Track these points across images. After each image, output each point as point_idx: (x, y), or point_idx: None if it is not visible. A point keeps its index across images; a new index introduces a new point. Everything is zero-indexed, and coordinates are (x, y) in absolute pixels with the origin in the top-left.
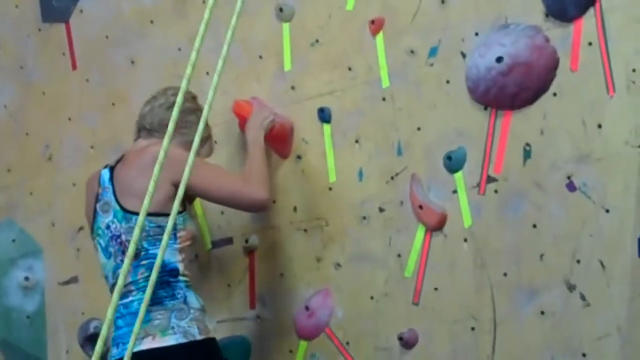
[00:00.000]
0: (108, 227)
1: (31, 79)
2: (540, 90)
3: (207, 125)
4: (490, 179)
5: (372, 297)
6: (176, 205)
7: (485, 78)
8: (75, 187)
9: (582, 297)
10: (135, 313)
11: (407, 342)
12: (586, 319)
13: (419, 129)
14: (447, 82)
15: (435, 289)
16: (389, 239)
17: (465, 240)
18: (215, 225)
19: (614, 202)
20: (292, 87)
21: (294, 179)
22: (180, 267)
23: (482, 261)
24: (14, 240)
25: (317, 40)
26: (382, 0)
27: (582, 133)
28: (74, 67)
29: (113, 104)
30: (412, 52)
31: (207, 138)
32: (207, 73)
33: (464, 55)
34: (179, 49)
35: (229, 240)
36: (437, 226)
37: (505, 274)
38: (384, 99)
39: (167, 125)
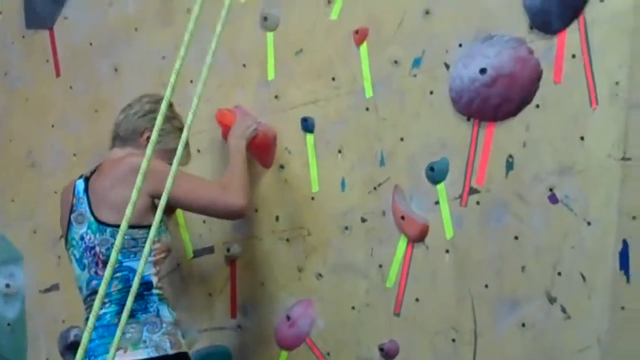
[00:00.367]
0: (82, 238)
1: (15, 85)
2: (523, 102)
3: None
4: (473, 190)
5: (353, 308)
6: (158, 215)
7: (468, 89)
8: (57, 194)
9: (563, 310)
10: (108, 325)
11: (388, 353)
12: (567, 331)
13: (402, 139)
14: (431, 92)
15: (417, 299)
16: (370, 250)
17: (447, 251)
18: (196, 234)
19: (596, 214)
20: (276, 96)
21: (277, 189)
22: (154, 280)
23: (463, 272)
24: None
25: (301, 50)
26: (367, 11)
27: (564, 145)
28: (58, 74)
29: (96, 111)
30: (395, 62)
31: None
32: (191, 81)
33: (447, 66)
34: (163, 57)
35: (210, 250)
36: (419, 237)
37: (486, 286)
38: (367, 109)
39: (140, 134)
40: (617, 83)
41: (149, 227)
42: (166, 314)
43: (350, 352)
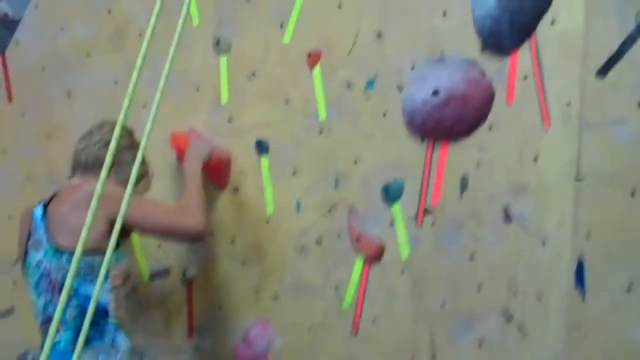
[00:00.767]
0: (38, 265)
1: None
2: (476, 122)
3: (144, 163)
4: (428, 211)
5: (310, 329)
6: (114, 238)
7: (421, 110)
8: (11, 219)
9: (520, 328)
10: (62, 353)
11: None
12: (524, 349)
13: (356, 161)
14: (384, 114)
15: (374, 320)
16: (327, 271)
17: (403, 271)
18: (152, 257)
19: (551, 233)
20: (229, 120)
21: (232, 211)
22: (111, 308)
23: (419, 292)
24: None
25: (254, 73)
26: (319, 34)
27: (518, 165)
28: (10, 98)
29: (49, 136)
30: (348, 84)
31: (143, 175)
32: (144, 106)
33: (400, 88)
34: (116, 82)
35: (166, 272)
36: (375, 257)
37: (442, 305)
38: (321, 132)
39: (102, 165)
40: (568, 103)
41: None
42: (122, 342)
43: None
